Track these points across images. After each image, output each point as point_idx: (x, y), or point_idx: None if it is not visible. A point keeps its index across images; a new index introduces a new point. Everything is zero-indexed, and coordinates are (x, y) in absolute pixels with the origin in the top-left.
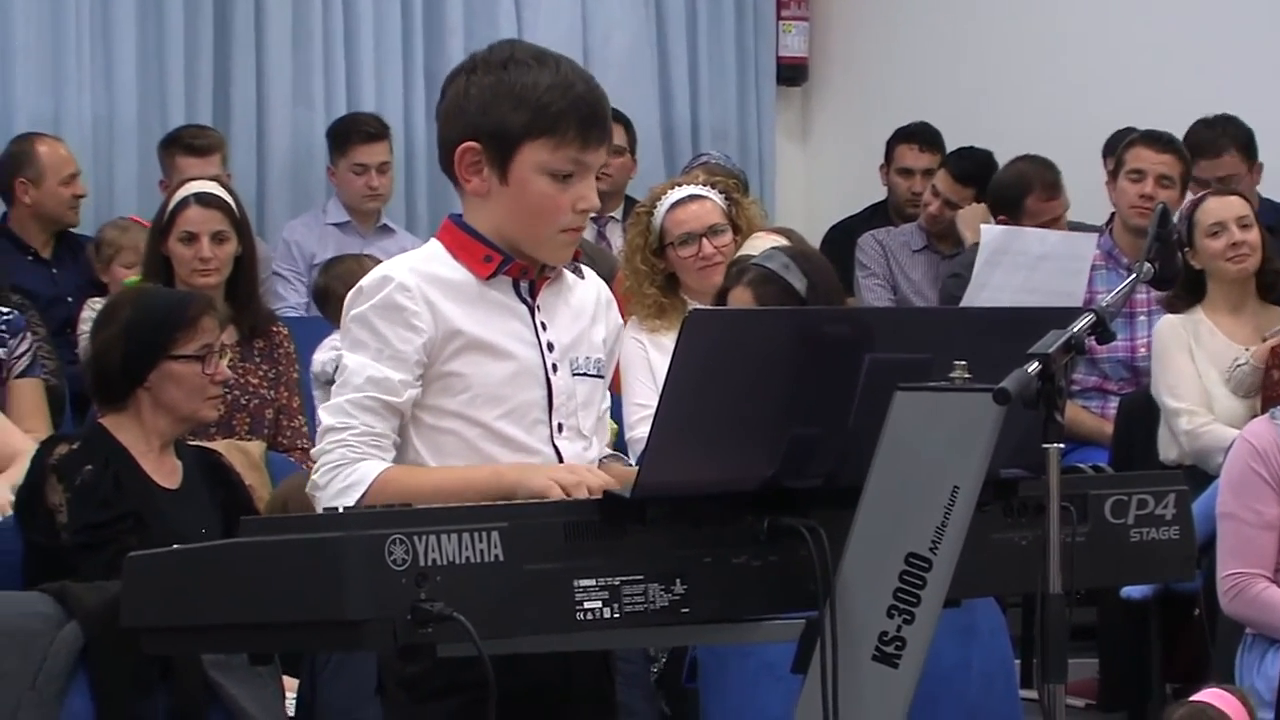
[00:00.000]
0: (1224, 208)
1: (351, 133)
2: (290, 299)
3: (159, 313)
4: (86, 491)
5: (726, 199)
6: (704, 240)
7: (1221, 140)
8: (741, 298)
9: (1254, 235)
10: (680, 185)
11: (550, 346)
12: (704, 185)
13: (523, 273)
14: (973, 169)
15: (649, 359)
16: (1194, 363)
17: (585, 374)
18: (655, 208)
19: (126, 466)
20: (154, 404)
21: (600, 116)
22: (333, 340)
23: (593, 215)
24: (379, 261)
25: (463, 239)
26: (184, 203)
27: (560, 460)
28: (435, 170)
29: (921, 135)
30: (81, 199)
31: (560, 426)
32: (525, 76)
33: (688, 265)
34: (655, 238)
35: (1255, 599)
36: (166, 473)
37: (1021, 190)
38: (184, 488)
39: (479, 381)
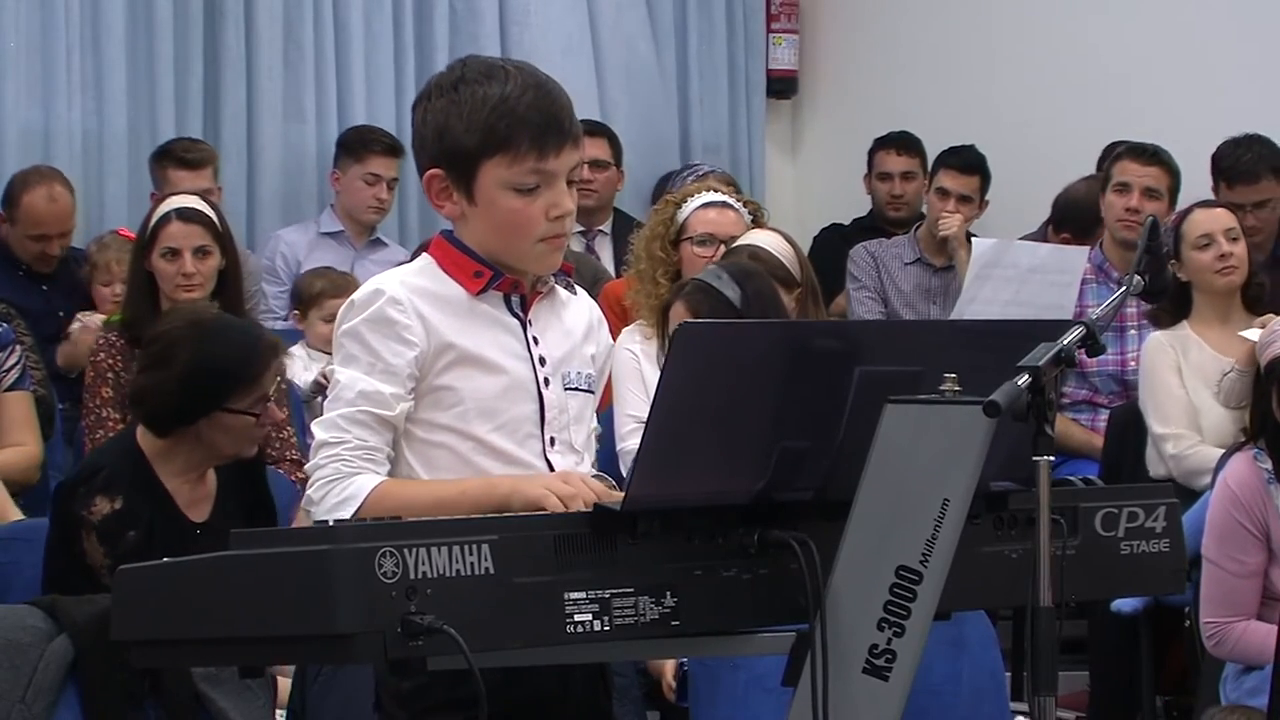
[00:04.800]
0: (1212, 220)
1: (370, 142)
2: (275, 308)
3: (220, 363)
4: (129, 558)
5: (752, 219)
6: (722, 246)
7: (1259, 166)
8: (678, 312)
9: (1240, 248)
10: (715, 190)
11: (542, 360)
12: (735, 199)
13: (514, 287)
14: (973, 159)
15: (641, 370)
16: (1182, 381)
17: (577, 388)
18: (684, 202)
19: (163, 513)
20: (197, 441)
21: (556, 121)
22: (294, 351)
23: (580, 229)
24: (346, 276)
25: (454, 254)
26: (165, 218)
27: None
28: None
29: (899, 141)
30: (55, 255)
31: (552, 441)
32: (474, 95)
33: (699, 264)
34: (675, 230)
35: (1237, 643)
36: (199, 500)
37: (1098, 212)
38: (213, 518)
39: (471, 395)
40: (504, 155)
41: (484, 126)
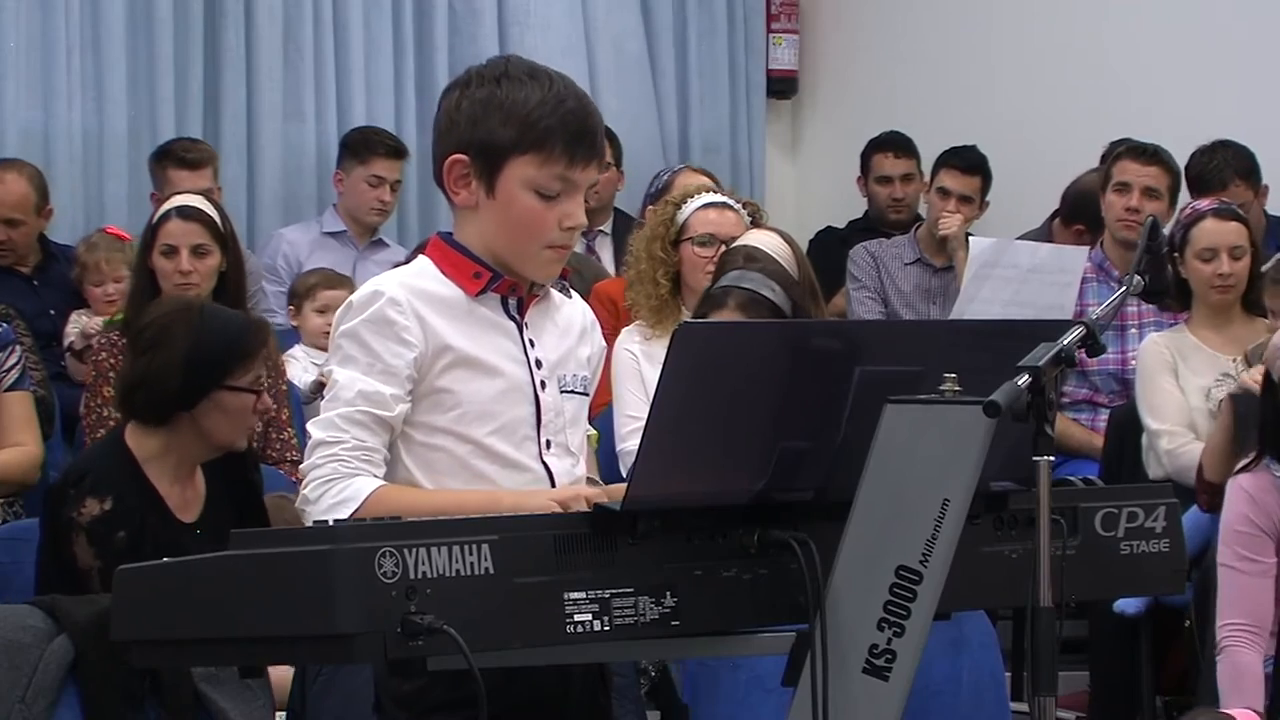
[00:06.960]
0: (1220, 234)
1: (376, 144)
2: (276, 307)
3: (221, 341)
4: (120, 559)
5: (751, 219)
6: (723, 246)
7: (1225, 172)
8: (730, 317)
9: (1242, 266)
10: (714, 191)
11: (538, 363)
12: (735, 201)
13: (511, 290)
14: (975, 159)
15: (641, 371)
16: (1178, 382)
17: (572, 391)
18: (684, 203)
19: (154, 514)
20: (193, 428)
21: (589, 133)
22: (294, 353)
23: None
24: (340, 274)
25: (452, 256)
26: (165, 216)
27: (550, 477)
28: (425, 185)
29: (894, 142)
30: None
31: (549, 443)
32: (517, 92)
33: (699, 264)
34: (675, 230)
35: (1230, 664)
36: (189, 502)
37: None
38: (204, 518)
39: (469, 398)
40: (536, 155)
41: (523, 123)
